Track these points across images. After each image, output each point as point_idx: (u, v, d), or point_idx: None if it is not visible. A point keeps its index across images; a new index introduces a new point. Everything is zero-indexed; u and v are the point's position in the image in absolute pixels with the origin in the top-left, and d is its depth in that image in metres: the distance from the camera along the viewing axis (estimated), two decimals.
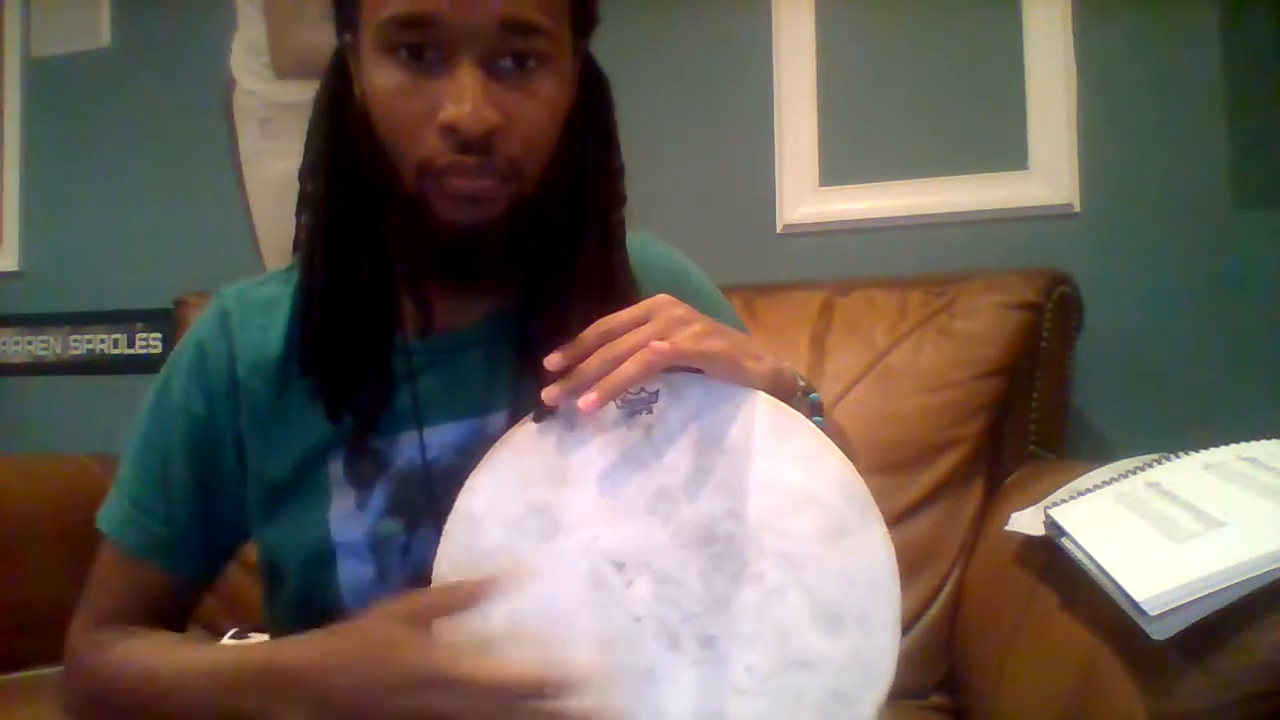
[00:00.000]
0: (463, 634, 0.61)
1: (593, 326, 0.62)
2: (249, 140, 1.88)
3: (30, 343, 2.08)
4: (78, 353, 2.04)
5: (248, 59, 1.87)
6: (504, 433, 0.65)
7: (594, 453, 0.62)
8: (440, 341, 0.75)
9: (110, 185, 2.01)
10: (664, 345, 0.60)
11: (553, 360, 0.61)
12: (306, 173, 0.73)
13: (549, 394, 0.61)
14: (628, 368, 0.59)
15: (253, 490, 0.76)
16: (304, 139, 0.75)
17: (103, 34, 2.03)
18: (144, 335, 1.99)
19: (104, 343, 2.02)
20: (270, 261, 1.84)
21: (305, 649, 0.64)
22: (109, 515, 0.78)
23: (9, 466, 1.61)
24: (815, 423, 0.67)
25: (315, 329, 0.72)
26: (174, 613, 0.79)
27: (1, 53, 2.11)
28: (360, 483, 0.74)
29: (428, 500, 0.71)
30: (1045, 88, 1.48)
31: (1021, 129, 1.49)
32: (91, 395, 2.00)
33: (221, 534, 0.79)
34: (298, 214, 0.75)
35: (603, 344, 0.61)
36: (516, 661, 0.58)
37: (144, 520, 0.77)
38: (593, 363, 0.61)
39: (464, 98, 0.63)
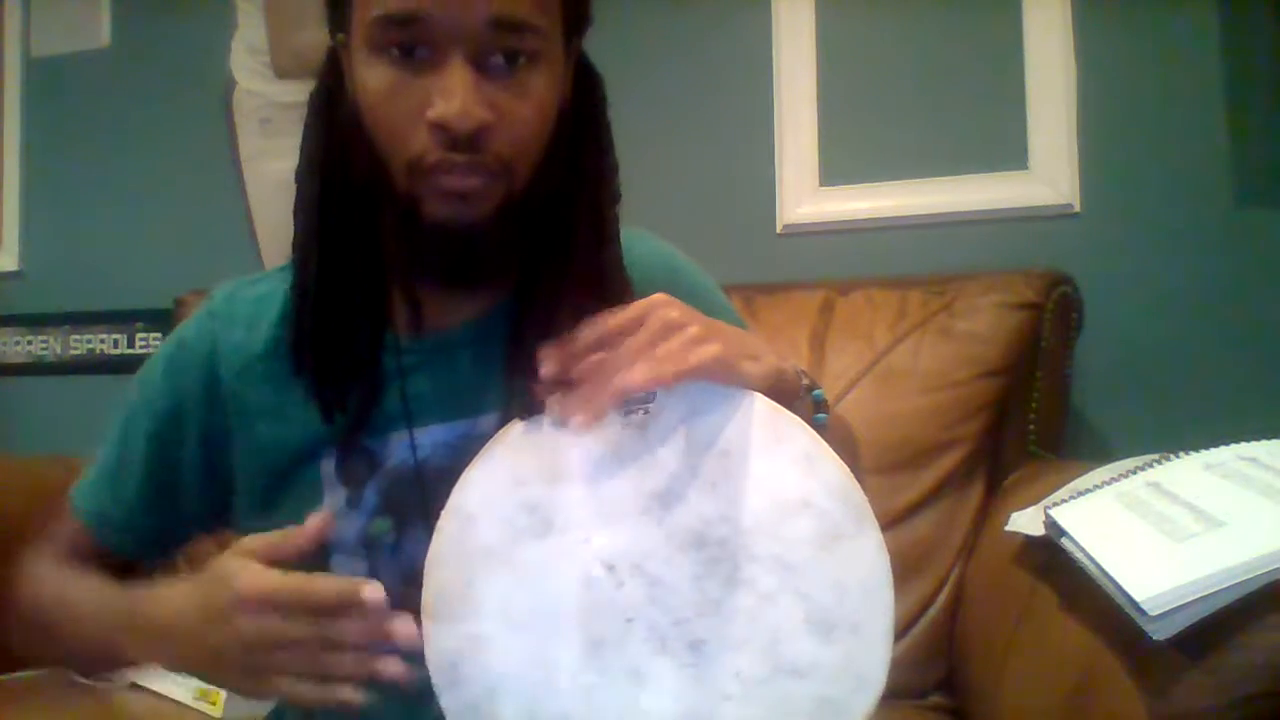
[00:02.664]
0: (453, 635, 0.61)
1: (586, 328, 0.62)
2: (249, 140, 1.87)
3: (30, 343, 2.08)
4: (78, 353, 2.04)
5: (248, 59, 1.87)
6: (496, 432, 0.65)
7: (588, 452, 0.61)
8: (432, 341, 0.74)
9: (110, 185, 2.01)
10: (646, 377, 0.58)
11: (546, 367, 0.61)
12: (301, 173, 0.74)
13: (547, 366, 0.61)
14: (618, 384, 0.59)
15: (243, 487, 0.77)
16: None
17: (103, 34, 2.03)
18: (144, 335, 1.99)
19: (104, 343, 2.02)
20: (270, 261, 1.84)
21: (160, 585, 0.69)
22: (78, 486, 0.83)
23: (9, 466, 1.60)
24: (818, 419, 0.67)
25: (308, 328, 0.72)
26: (115, 573, 0.82)
27: (1, 53, 2.11)
28: (352, 481, 0.74)
29: (419, 500, 0.71)
30: (1045, 88, 1.48)
31: (1021, 129, 1.49)
32: (91, 395, 2.00)
33: (171, 525, 0.82)
34: (294, 215, 0.75)
35: (596, 348, 0.61)
36: (325, 579, 0.60)
37: (101, 495, 0.81)
38: (585, 377, 0.60)
39: (453, 95, 0.63)
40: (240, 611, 0.59)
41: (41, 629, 0.78)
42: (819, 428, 0.65)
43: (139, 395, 0.80)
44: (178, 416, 0.78)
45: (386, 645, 0.59)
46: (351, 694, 0.59)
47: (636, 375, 0.58)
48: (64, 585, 0.78)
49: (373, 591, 0.58)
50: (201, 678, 0.67)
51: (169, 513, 0.80)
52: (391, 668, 0.59)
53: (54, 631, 0.77)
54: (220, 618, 0.60)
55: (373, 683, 0.61)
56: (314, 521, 0.63)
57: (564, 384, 0.61)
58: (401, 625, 0.59)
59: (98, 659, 0.75)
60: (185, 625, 0.64)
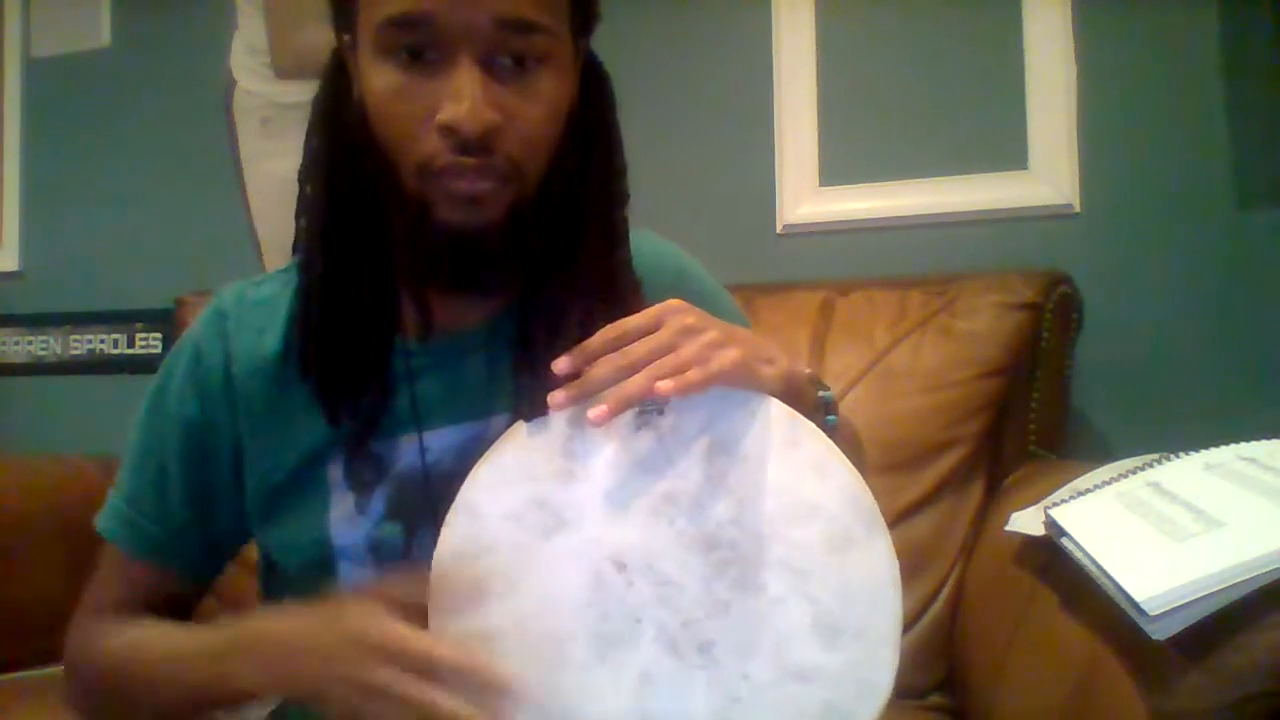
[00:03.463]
0: (460, 631, 0.61)
1: (602, 331, 0.62)
2: (249, 140, 1.87)
3: (30, 343, 2.08)
4: (78, 353, 2.04)
5: (248, 59, 1.87)
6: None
7: (601, 452, 0.61)
8: (440, 344, 0.74)
9: (110, 185, 2.01)
10: (672, 385, 0.58)
11: (560, 364, 0.60)
12: (306, 175, 0.73)
13: (555, 398, 0.60)
14: (640, 380, 0.58)
15: (251, 492, 0.76)
16: (304, 140, 0.74)
17: (103, 34, 2.03)
18: (144, 335, 1.99)
19: (104, 343, 2.02)
20: (270, 262, 1.84)
21: (273, 617, 0.66)
22: (106, 518, 0.79)
23: (9, 466, 1.60)
24: (828, 421, 0.67)
25: (315, 331, 0.72)
26: (171, 612, 0.79)
27: (1, 53, 2.11)
28: (360, 486, 0.73)
29: (427, 504, 0.71)
30: (1045, 88, 1.48)
31: (1021, 129, 1.49)
32: (91, 395, 2.00)
33: (219, 535, 0.79)
34: (297, 216, 0.74)
35: (612, 349, 0.61)
36: (459, 650, 0.58)
37: (139, 521, 0.77)
38: (602, 368, 0.60)
39: (463, 97, 0.62)
40: (374, 659, 0.58)
41: (117, 689, 0.74)
42: (829, 429, 0.65)
43: (163, 408, 0.77)
44: (209, 425, 0.76)
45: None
46: None
47: (665, 384, 0.58)
48: (135, 636, 0.74)
49: (507, 681, 0.58)
50: (295, 700, 0.65)
51: (217, 522, 0.78)
52: None
53: (136, 686, 0.72)
54: (347, 658, 0.59)
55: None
56: (467, 579, 0.62)
57: (580, 380, 0.61)
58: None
59: (199, 699, 0.69)
60: (311, 656, 0.61)
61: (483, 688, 0.57)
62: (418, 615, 0.61)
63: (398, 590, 0.62)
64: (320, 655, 0.60)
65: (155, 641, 0.73)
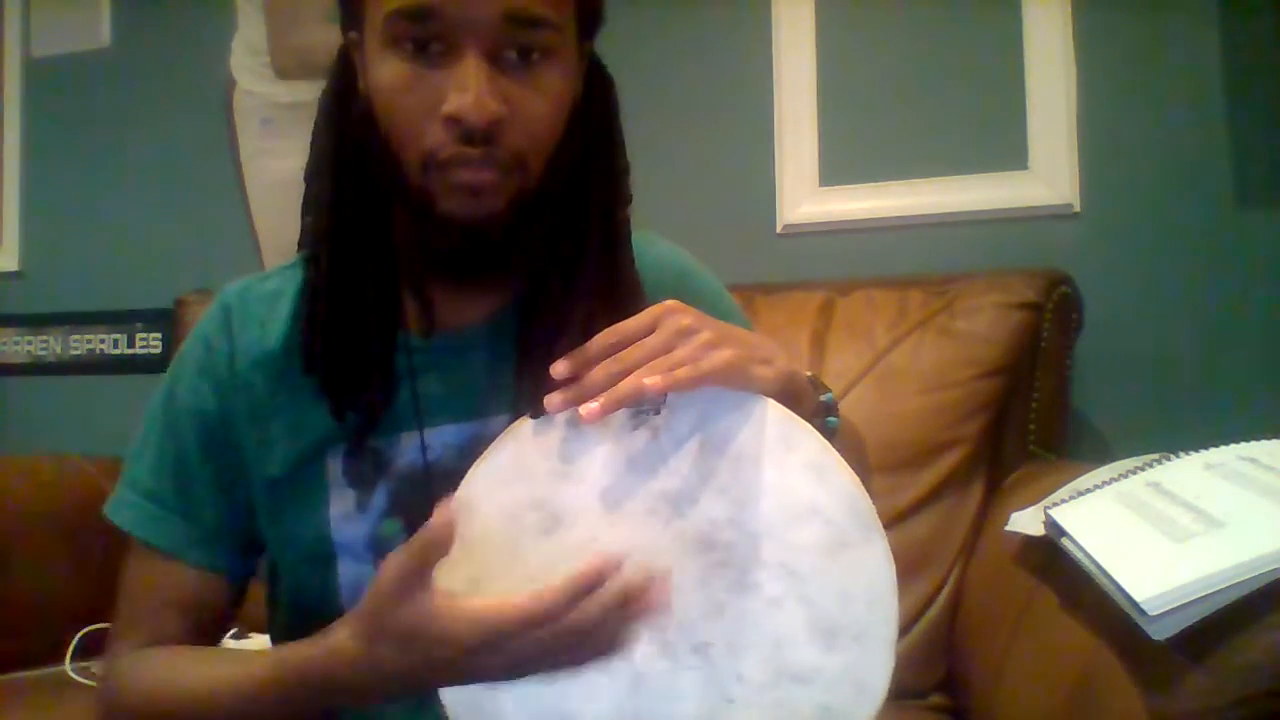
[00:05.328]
0: None
1: (600, 335, 0.62)
2: (249, 140, 1.87)
3: (30, 343, 2.08)
4: (78, 353, 2.04)
5: (248, 59, 1.87)
6: None
7: (598, 452, 0.61)
8: (443, 342, 0.74)
9: (110, 185, 2.01)
10: (660, 381, 0.58)
11: (558, 368, 0.61)
12: (312, 172, 0.73)
13: (552, 401, 0.60)
14: (631, 381, 0.59)
15: (255, 486, 0.76)
16: (307, 138, 0.75)
17: (103, 34, 2.03)
18: (144, 335, 1.99)
19: (104, 343, 2.02)
20: (270, 261, 1.84)
21: (341, 648, 0.62)
22: (124, 510, 0.77)
23: (9, 466, 1.60)
24: (829, 424, 0.67)
25: (320, 327, 0.72)
26: (210, 615, 0.77)
27: (1, 53, 2.11)
28: (360, 483, 0.73)
29: (428, 501, 0.71)
30: (1045, 88, 1.48)
31: (1021, 129, 1.49)
32: (91, 395, 2.00)
33: (247, 529, 0.77)
34: (303, 213, 0.75)
35: (609, 354, 0.61)
36: (547, 588, 0.57)
37: (165, 515, 0.76)
38: (598, 374, 0.60)
39: (467, 89, 0.63)
40: (479, 654, 0.58)
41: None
42: (829, 432, 0.65)
43: (177, 403, 0.77)
44: (225, 417, 0.75)
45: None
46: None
47: (652, 380, 0.58)
48: (182, 673, 0.71)
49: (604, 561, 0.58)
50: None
51: (242, 518, 0.77)
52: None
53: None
54: (453, 665, 0.59)
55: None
56: (440, 514, 0.60)
57: (575, 382, 0.61)
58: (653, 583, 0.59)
59: None
60: (402, 681, 0.60)
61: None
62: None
63: (401, 569, 0.60)
64: (404, 669, 0.59)
65: (210, 675, 0.69)
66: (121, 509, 0.77)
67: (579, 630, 0.58)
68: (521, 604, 0.57)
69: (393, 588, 0.59)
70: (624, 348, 0.61)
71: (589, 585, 0.58)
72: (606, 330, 0.62)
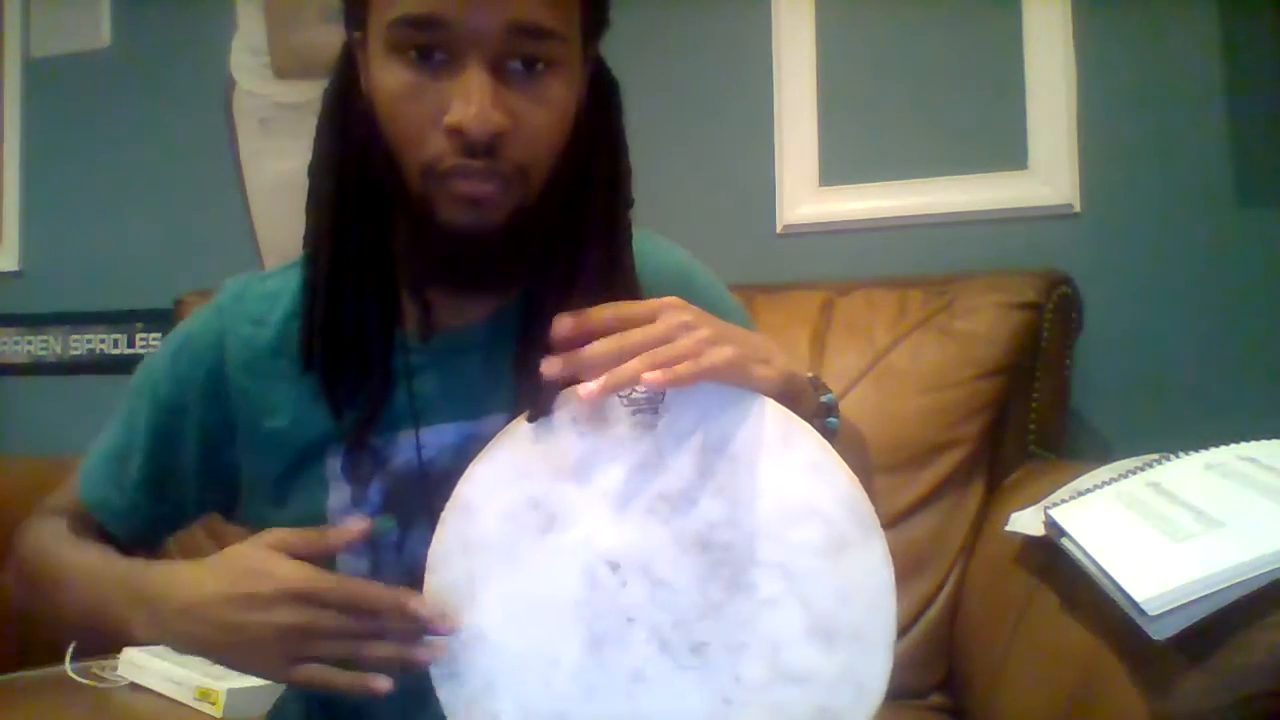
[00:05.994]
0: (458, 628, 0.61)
1: (603, 307, 0.62)
2: (249, 140, 1.87)
3: (30, 343, 2.08)
4: (78, 353, 2.04)
5: (248, 59, 1.87)
6: None
7: (596, 451, 0.61)
8: (441, 341, 0.74)
9: (110, 185, 2.01)
10: (661, 376, 0.58)
11: (563, 323, 0.60)
12: (313, 170, 0.73)
13: (550, 364, 0.60)
14: (633, 365, 0.58)
15: (252, 481, 0.77)
16: (307, 139, 0.74)
17: (103, 34, 2.03)
18: (144, 335, 1.99)
19: (104, 343, 2.02)
20: (270, 262, 1.84)
21: (175, 565, 0.70)
22: (86, 460, 0.83)
23: (9, 466, 1.60)
24: (829, 424, 0.67)
25: (318, 324, 0.72)
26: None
27: (1, 53, 2.11)
28: (356, 479, 0.74)
29: (423, 500, 0.71)
30: (1045, 88, 1.48)
31: (1021, 129, 1.49)
32: (91, 395, 2.00)
33: (166, 513, 0.83)
34: (307, 211, 0.75)
35: (611, 330, 0.61)
36: (375, 585, 0.62)
37: (104, 481, 0.81)
38: (597, 349, 0.60)
39: (471, 100, 0.62)
40: (283, 603, 0.61)
41: (39, 586, 0.78)
42: (829, 433, 0.65)
43: (144, 385, 0.81)
44: (179, 408, 0.78)
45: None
46: (381, 683, 0.61)
47: (652, 375, 0.58)
48: (64, 542, 0.79)
49: (419, 605, 0.61)
50: (217, 659, 0.67)
51: (168, 502, 0.81)
52: (422, 655, 0.61)
53: (51, 591, 0.77)
54: (258, 607, 0.62)
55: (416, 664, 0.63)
56: (354, 526, 0.66)
57: (574, 354, 0.61)
58: (437, 629, 0.61)
59: (97, 630, 0.72)
60: (212, 610, 0.64)
61: (405, 616, 0.61)
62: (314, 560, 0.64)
63: (291, 536, 0.65)
64: (228, 613, 0.63)
65: (74, 559, 0.76)
66: (87, 457, 0.83)
67: (350, 630, 0.61)
68: (324, 575, 0.62)
69: (264, 537, 0.65)
70: (625, 327, 0.61)
71: (388, 595, 0.62)
72: (610, 305, 0.62)
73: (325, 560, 0.73)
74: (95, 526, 0.82)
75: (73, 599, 0.75)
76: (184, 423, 0.78)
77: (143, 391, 0.80)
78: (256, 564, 0.63)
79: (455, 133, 0.63)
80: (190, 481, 0.80)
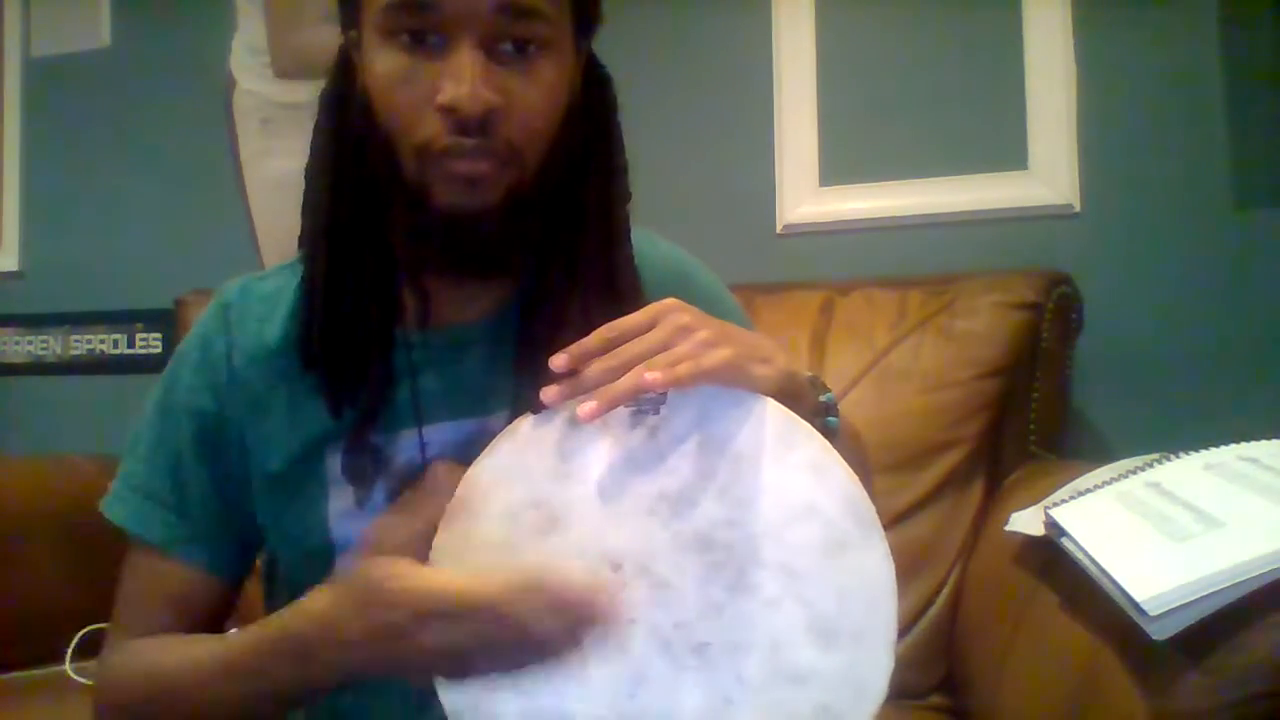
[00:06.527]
0: None
1: (599, 331, 0.62)
2: (249, 140, 1.87)
3: (30, 343, 2.08)
4: (78, 353, 2.04)
5: (248, 59, 1.86)
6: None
7: (597, 451, 0.61)
8: (441, 339, 0.74)
9: (110, 185, 2.01)
10: (661, 377, 0.58)
11: (557, 361, 0.60)
12: (311, 170, 0.74)
13: (548, 394, 0.60)
14: (629, 380, 0.58)
15: (255, 483, 0.76)
16: (306, 139, 0.75)
17: (103, 34, 2.03)
18: (144, 335, 1.99)
19: (104, 343, 2.02)
20: (270, 262, 1.84)
21: (300, 610, 0.64)
22: (120, 506, 0.77)
23: (9, 466, 1.60)
24: (829, 423, 0.67)
25: (318, 323, 0.72)
26: (204, 612, 0.77)
27: (1, 53, 2.11)
28: (360, 480, 0.73)
29: None
30: (1045, 88, 1.48)
31: (1021, 129, 1.49)
32: (91, 395, 2.01)
33: (241, 528, 0.77)
34: (303, 210, 0.75)
35: (608, 349, 0.61)
36: (511, 578, 0.58)
37: (160, 512, 0.76)
38: (595, 369, 0.60)
39: (463, 79, 0.63)
40: (420, 626, 0.58)
41: (158, 712, 0.71)
42: (829, 432, 0.65)
43: (174, 401, 0.77)
44: (221, 417, 0.75)
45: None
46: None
47: (653, 375, 0.58)
48: (167, 657, 0.71)
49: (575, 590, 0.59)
50: (387, 679, 0.63)
51: (237, 517, 0.77)
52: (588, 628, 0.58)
53: (178, 708, 0.70)
54: (402, 636, 0.58)
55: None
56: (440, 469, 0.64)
57: (574, 378, 0.61)
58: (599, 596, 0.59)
59: (248, 713, 0.67)
60: (364, 652, 0.60)
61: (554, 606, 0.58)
62: (420, 549, 0.61)
63: (391, 536, 0.61)
64: (376, 647, 0.59)
65: (194, 656, 0.69)
66: (117, 504, 0.77)
67: (521, 626, 0.58)
68: (472, 582, 0.58)
69: (367, 548, 0.61)
70: (623, 343, 0.61)
71: (542, 583, 0.58)
72: (606, 325, 0.62)
73: (327, 562, 0.73)
74: (176, 601, 0.75)
75: (217, 697, 0.67)
76: (228, 428, 0.75)
77: (177, 412, 0.76)
78: (379, 586, 0.59)
79: (448, 111, 0.64)
80: (248, 488, 0.76)
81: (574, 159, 0.71)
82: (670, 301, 0.63)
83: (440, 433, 0.73)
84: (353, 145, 0.70)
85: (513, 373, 0.71)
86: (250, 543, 0.79)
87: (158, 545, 0.75)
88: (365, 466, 0.73)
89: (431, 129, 0.65)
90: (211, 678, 0.67)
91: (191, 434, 0.76)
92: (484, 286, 0.74)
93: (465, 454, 0.66)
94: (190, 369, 0.77)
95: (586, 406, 0.58)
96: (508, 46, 0.65)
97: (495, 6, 0.64)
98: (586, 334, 0.62)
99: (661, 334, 0.60)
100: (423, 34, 0.65)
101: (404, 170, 0.67)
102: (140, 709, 0.72)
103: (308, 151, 0.75)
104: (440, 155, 0.65)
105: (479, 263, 0.70)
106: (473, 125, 0.64)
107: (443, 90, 0.64)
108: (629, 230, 0.75)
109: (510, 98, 0.65)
